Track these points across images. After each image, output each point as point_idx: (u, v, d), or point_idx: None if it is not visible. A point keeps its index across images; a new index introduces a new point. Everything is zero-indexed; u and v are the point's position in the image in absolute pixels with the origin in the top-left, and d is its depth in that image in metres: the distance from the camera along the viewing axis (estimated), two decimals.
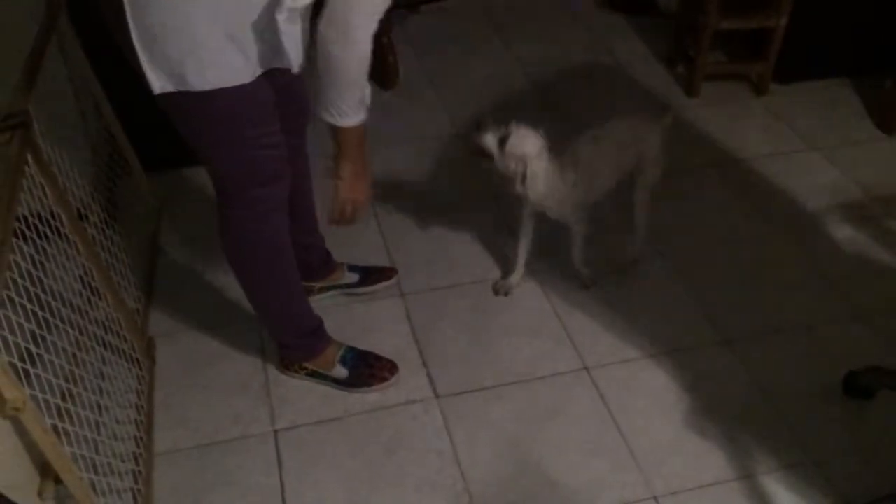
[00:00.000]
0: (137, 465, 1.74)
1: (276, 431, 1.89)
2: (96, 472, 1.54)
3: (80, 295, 1.76)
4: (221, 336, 2.11)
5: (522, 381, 1.99)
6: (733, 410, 1.91)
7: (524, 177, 1.90)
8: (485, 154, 1.93)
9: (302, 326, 1.94)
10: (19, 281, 1.39)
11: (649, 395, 1.96)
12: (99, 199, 2.13)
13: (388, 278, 2.24)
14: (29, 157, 1.52)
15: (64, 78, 2.14)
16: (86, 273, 1.78)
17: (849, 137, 2.81)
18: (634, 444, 1.84)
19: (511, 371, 2.02)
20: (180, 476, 1.80)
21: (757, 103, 3.00)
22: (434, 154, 2.75)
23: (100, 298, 1.81)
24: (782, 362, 2.03)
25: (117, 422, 1.79)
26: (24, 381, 1.31)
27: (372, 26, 1.39)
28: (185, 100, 1.45)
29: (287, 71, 1.50)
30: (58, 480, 1.48)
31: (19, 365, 1.32)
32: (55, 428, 1.39)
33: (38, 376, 1.39)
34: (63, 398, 1.51)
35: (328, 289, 2.19)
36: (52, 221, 1.64)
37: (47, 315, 1.50)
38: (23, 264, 1.41)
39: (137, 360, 1.94)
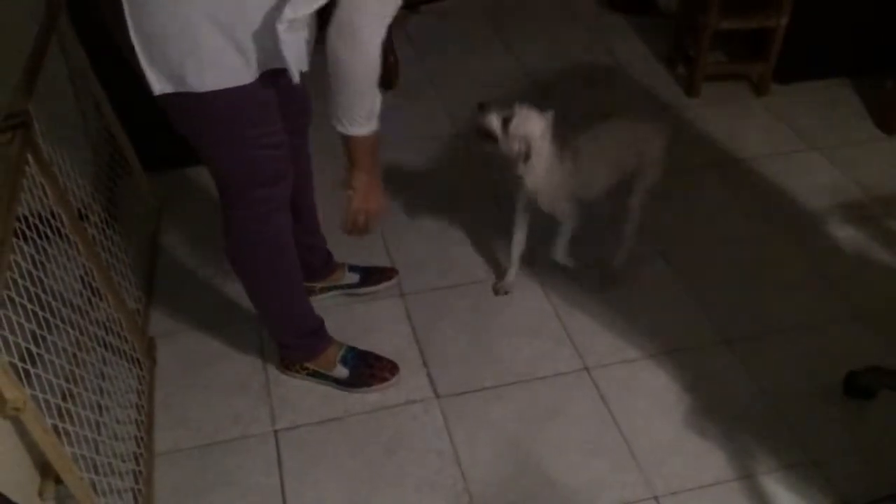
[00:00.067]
0: (138, 465, 1.74)
1: (276, 431, 1.89)
2: (97, 472, 1.54)
3: (81, 295, 1.76)
4: (221, 336, 2.11)
5: (522, 381, 1.99)
6: (733, 410, 1.91)
7: (527, 156, 1.89)
8: (489, 136, 1.92)
9: (303, 326, 1.94)
10: (20, 281, 1.39)
11: (649, 395, 1.96)
12: (99, 199, 2.13)
13: (389, 279, 2.24)
14: (29, 157, 1.52)
15: (64, 78, 2.15)
16: (86, 273, 1.78)
17: (849, 137, 2.81)
18: (634, 444, 1.84)
19: (511, 371, 2.02)
20: (181, 476, 1.80)
21: (757, 103, 3.00)
22: (434, 154, 2.75)
23: (100, 298, 1.81)
24: (782, 362, 2.03)
25: (118, 422, 1.79)
26: (24, 381, 1.31)
27: (380, 30, 1.38)
28: (184, 100, 1.44)
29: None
30: (58, 480, 1.48)
31: (20, 365, 1.32)
32: (56, 428, 1.39)
33: (38, 376, 1.39)
34: (63, 398, 1.52)
35: (329, 289, 2.19)
36: (52, 221, 1.64)
37: (48, 315, 1.50)
38: (23, 264, 1.41)
39: (138, 360, 1.94)
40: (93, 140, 2.30)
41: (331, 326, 1.99)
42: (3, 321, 1.29)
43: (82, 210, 1.90)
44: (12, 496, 1.35)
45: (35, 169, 1.54)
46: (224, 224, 1.72)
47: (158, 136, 1.87)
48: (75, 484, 1.42)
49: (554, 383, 1.99)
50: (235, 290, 2.13)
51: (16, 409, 1.25)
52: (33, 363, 1.39)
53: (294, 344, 1.96)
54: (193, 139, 1.56)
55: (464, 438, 1.86)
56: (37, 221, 1.58)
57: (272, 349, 2.02)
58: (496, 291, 2.23)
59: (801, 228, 2.44)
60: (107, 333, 1.80)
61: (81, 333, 1.70)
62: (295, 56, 1.42)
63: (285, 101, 1.62)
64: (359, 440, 1.86)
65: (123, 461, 1.71)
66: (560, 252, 2.15)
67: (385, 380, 1.96)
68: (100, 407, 1.73)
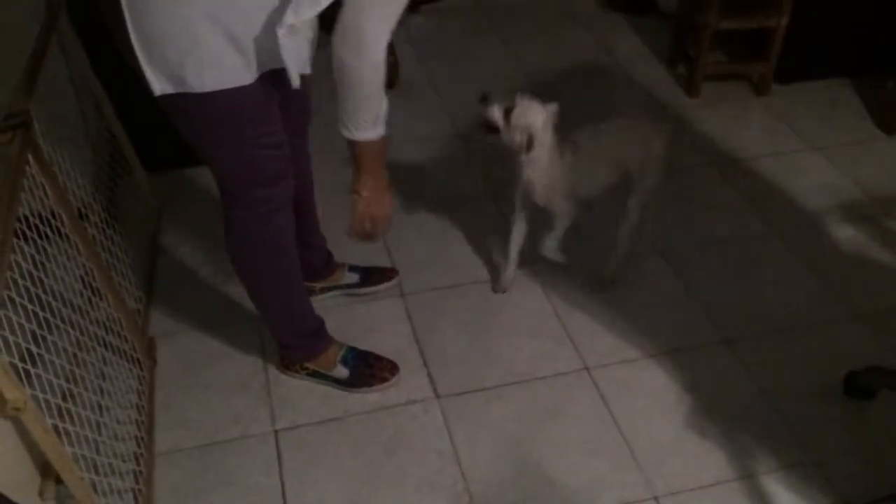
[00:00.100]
0: (138, 465, 1.74)
1: (276, 431, 1.89)
2: (97, 473, 1.54)
3: (81, 295, 1.76)
4: (222, 336, 2.11)
5: (522, 381, 1.99)
6: (733, 410, 1.91)
7: (529, 146, 1.89)
8: (491, 127, 1.92)
9: (303, 326, 1.94)
10: (20, 281, 1.39)
11: (649, 395, 1.96)
12: (100, 198, 2.13)
13: (390, 279, 2.24)
14: (30, 157, 1.52)
15: (65, 78, 2.15)
16: (86, 273, 1.78)
17: (849, 137, 2.81)
18: (634, 444, 1.84)
19: (511, 371, 2.02)
20: (181, 476, 1.80)
21: (757, 103, 3.01)
22: (434, 154, 2.75)
23: (100, 298, 1.81)
24: (782, 362, 2.03)
25: (118, 422, 1.79)
26: (24, 381, 1.31)
27: (385, 34, 1.37)
28: (184, 101, 1.44)
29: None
30: (58, 480, 1.48)
31: (20, 365, 1.32)
32: (56, 428, 1.39)
33: (38, 376, 1.39)
34: (64, 398, 1.52)
35: (329, 289, 2.19)
36: (52, 221, 1.64)
37: (48, 315, 1.50)
38: (23, 264, 1.41)
39: (138, 360, 1.94)
40: (93, 140, 2.30)
41: (331, 326, 1.99)
42: (4, 321, 1.29)
43: (82, 210, 1.91)
44: (12, 496, 1.35)
45: (35, 169, 1.54)
46: (225, 224, 1.72)
47: (159, 136, 1.86)
48: (75, 484, 1.42)
49: (554, 383, 1.99)
50: (236, 290, 2.13)
51: (16, 409, 1.25)
52: (34, 363, 1.39)
53: (294, 344, 1.96)
54: (194, 139, 1.56)
55: (464, 438, 1.86)
56: (37, 221, 1.58)
57: (272, 349, 2.02)
58: (495, 290, 2.23)
59: (801, 228, 2.44)
60: (107, 333, 1.80)
61: (82, 333, 1.70)
62: (295, 60, 1.42)
63: (285, 101, 1.62)
64: (359, 440, 1.87)
65: (124, 461, 1.71)
66: (548, 248, 2.14)
67: (385, 380, 1.96)
68: (100, 407, 1.73)
